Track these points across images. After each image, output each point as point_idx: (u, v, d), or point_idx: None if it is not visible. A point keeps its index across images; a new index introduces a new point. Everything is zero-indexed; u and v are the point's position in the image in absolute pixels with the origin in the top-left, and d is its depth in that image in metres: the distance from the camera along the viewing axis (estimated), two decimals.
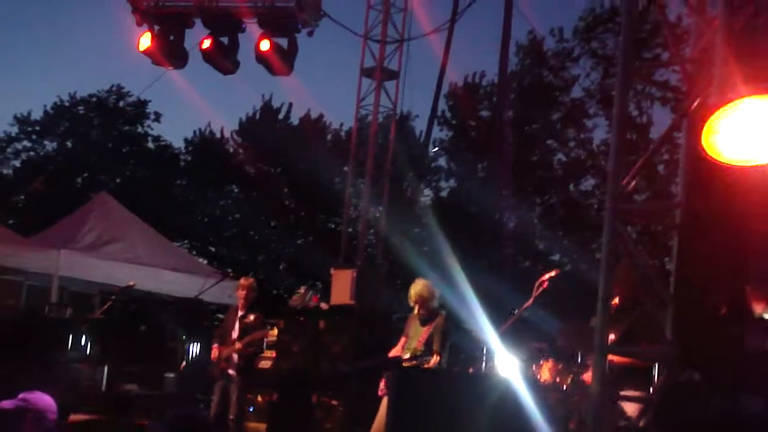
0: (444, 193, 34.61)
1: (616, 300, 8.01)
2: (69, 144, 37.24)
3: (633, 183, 6.41)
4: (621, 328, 8.25)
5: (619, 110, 6.55)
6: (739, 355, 4.08)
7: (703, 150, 3.81)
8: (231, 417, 11.61)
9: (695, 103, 5.04)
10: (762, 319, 3.84)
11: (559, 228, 31.48)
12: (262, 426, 13.43)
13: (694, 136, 4.04)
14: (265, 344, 13.56)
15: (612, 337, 8.28)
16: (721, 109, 3.82)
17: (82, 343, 13.56)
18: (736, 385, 4.10)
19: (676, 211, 6.51)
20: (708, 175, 3.89)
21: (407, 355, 9.78)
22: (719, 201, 3.81)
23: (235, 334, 11.81)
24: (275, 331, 14.06)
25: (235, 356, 11.68)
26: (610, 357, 7.86)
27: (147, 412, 11.72)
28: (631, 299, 7.96)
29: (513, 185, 29.77)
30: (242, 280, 12.40)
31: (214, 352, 11.92)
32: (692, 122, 4.26)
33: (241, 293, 12.05)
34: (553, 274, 9.73)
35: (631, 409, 8.10)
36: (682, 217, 5.46)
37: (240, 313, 11.98)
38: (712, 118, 3.83)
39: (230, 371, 11.69)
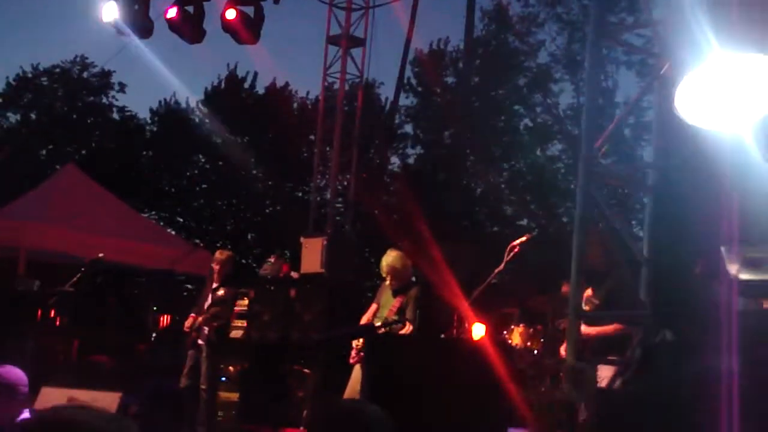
0: (411, 160, 34.64)
1: (597, 264, 8.06)
2: (33, 116, 36.89)
3: (604, 147, 6.44)
4: (602, 292, 8.31)
5: (590, 73, 6.55)
6: (714, 315, 4.11)
7: (677, 113, 3.81)
8: (202, 387, 11.62)
9: (666, 65, 5.05)
10: (737, 278, 3.86)
11: (527, 193, 31.61)
12: (234, 396, 13.46)
13: (666, 98, 4.03)
14: (234, 315, 13.58)
15: (589, 292, 8.34)
16: (694, 71, 3.82)
17: (52, 315, 13.51)
18: (709, 344, 4.13)
19: (648, 173, 6.54)
20: (679, 137, 3.90)
21: (378, 323, 9.80)
22: (691, 163, 3.81)
23: (206, 306, 11.84)
24: (246, 301, 14.06)
25: (205, 327, 11.70)
26: (585, 331, 7.92)
27: (119, 384, 11.69)
28: (607, 263, 8.01)
29: (480, 151, 29.85)
30: (217, 254, 12.42)
31: (188, 322, 11.94)
32: (664, 84, 4.26)
33: (216, 267, 12.07)
34: (524, 239, 9.77)
35: (607, 373, 8.17)
36: (654, 178, 5.47)
37: (213, 286, 12.00)
38: (685, 80, 3.83)
39: (199, 341, 11.71)
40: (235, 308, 13.78)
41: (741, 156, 3.56)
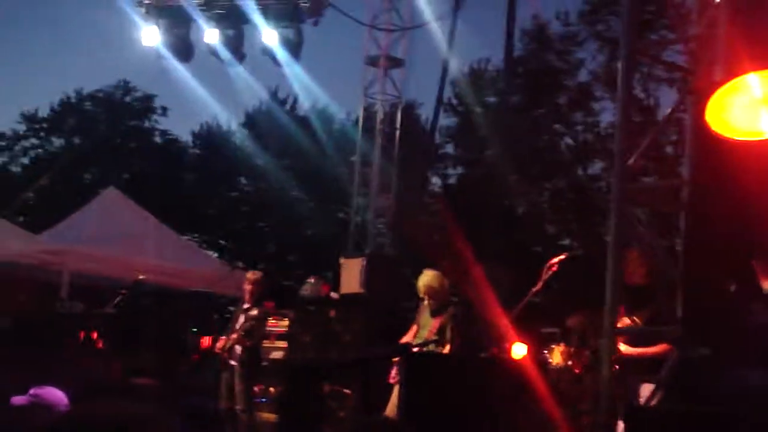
0: (452, 180, 34.58)
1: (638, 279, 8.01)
2: (77, 140, 37.29)
3: (639, 163, 6.41)
4: (640, 316, 8.24)
5: (624, 90, 6.53)
6: (749, 330, 4.07)
7: (708, 126, 3.79)
8: (238, 408, 11.64)
9: (700, 81, 5.03)
10: None
11: (569, 212, 31.45)
12: (274, 416, 13.46)
13: (699, 114, 4.02)
14: (273, 333, 13.63)
15: (627, 321, 8.27)
16: (725, 86, 3.80)
17: (94, 337, 13.61)
18: (745, 359, 4.10)
19: (683, 190, 6.50)
20: (713, 151, 3.88)
21: (418, 342, 9.79)
22: (724, 177, 3.80)
23: (238, 327, 11.88)
24: (286, 322, 14.09)
25: (238, 347, 11.73)
26: (626, 351, 7.85)
27: (160, 404, 11.73)
28: (648, 277, 7.96)
29: (521, 170, 29.76)
30: (249, 274, 12.53)
31: (218, 344, 11.98)
32: (697, 99, 4.24)
33: (247, 287, 12.15)
34: (562, 257, 9.73)
35: (646, 391, 8.09)
36: (689, 195, 5.44)
37: (245, 306, 12.05)
38: (716, 94, 3.81)
39: (232, 362, 11.74)
40: (276, 329, 13.83)
41: None
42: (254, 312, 11.90)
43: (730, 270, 4.01)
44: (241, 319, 11.94)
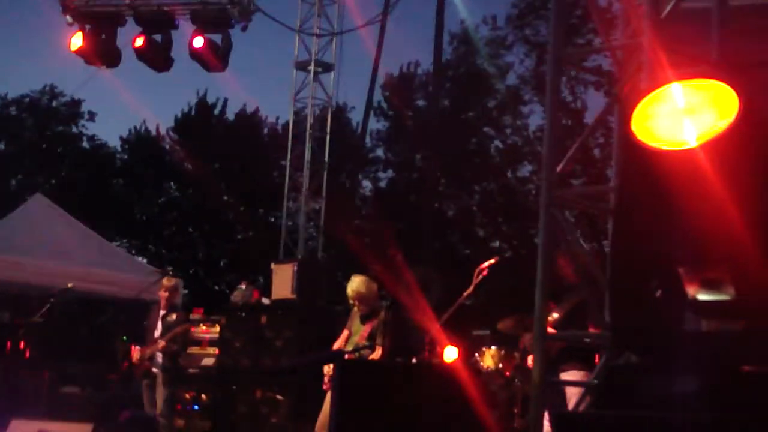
0: (383, 184, 34.70)
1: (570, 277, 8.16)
2: (2, 146, 36.77)
3: (568, 168, 6.49)
4: (565, 306, 8.38)
5: (551, 96, 6.60)
6: (676, 337, 4.14)
7: (633, 135, 3.86)
8: (158, 413, 11.58)
9: (625, 89, 5.12)
10: (695, 300, 3.90)
11: (499, 215, 31.72)
12: (207, 424, 13.39)
13: (625, 122, 4.08)
14: (204, 339, 13.60)
15: (555, 315, 8.39)
16: (649, 95, 3.87)
17: (21, 346, 13.44)
18: (672, 366, 4.16)
19: (610, 195, 6.60)
20: (639, 159, 3.94)
21: (349, 348, 9.80)
22: (650, 185, 3.85)
23: (157, 333, 11.82)
24: (217, 328, 14.02)
25: (159, 355, 11.67)
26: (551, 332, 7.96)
27: (91, 415, 11.63)
28: (576, 276, 8.09)
29: (451, 174, 29.94)
30: (164, 281, 12.50)
31: (135, 354, 11.89)
32: (623, 107, 4.32)
33: (164, 294, 12.13)
34: (492, 261, 9.82)
35: (572, 392, 8.21)
36: (616, 201, 5.52)
37: (162, 313, 12.00)
38: (641, 103, 3.88)
39: (154, 369, 11.68)
40: (207, 335, 13.78)
41: (696, 174, 3.61)
42: (172, 317, 11.83)
43: (656, 276, 4.08)
44: (159, 326, 11.88)
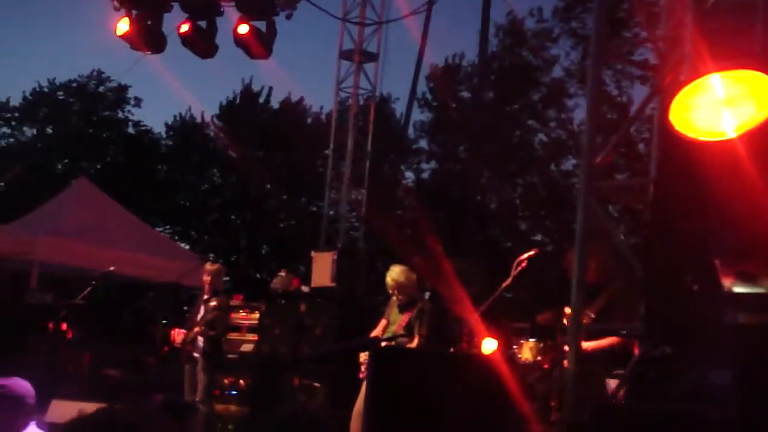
0: (425, 175, 34.65)
1: (590, 276, 8.08)
2: (49, 130, 37.07)
3: (609, 160, 6.45)
4: (598, 305, 8.31)
5: (593, 87, 6.57)
6: (711, 330, 4.11)
7: (672, 126, 3.83)
8: (197, 399, 11.58)
9: (666, 80, 5.08)
10: (731, 292, 3.87)
11: (541, 208, 31.56)
12: (246, 409, 13.46)
13: (664, 113, 4.06)
14: (244, 325, 13.65)
15: (591, 315, 8.34)
16: (688, 86, 3.84)
17: (64, 328, 13.56)
18: (707, 358, 4.14)
19: (650, 187, 6.54)
20: (677, 150, 3.91)
21: (387, 337, 9.80)
22: (688, 177, 3.83)
23: (199, 318, 11.84)
24: (257, 315, 14.08)
25: (200, 339, 11.67)
26: (584, 346, 7.92)
27: (130, 397, 11.71)
28: (604, 275, 8.04)
29: (495, 166, 29.84)
30: (207, 266, 12.46)
31: (178, 338, 11.89)
32: (663, 99, 4.29)
33: (206, 278, 12.06)
34: (532, 253, 9.76)
35: (611, 387, 8.16)
36: (654, 193, 5.48)
37: (205, 297, 11.99)
38: (680, 94, 3.86)
39: (195, 354, 11.69)
40: (245, 322, 13.84)
41: (733, 167, 3.58)
42: (213, 302, 11.82)
43: (692, 269, 4.05)
44: (202, 310, 11.89)
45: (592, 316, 8.20)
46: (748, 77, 3.71)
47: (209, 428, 11.74)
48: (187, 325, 11.97)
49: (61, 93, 37.14)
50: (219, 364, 12.23)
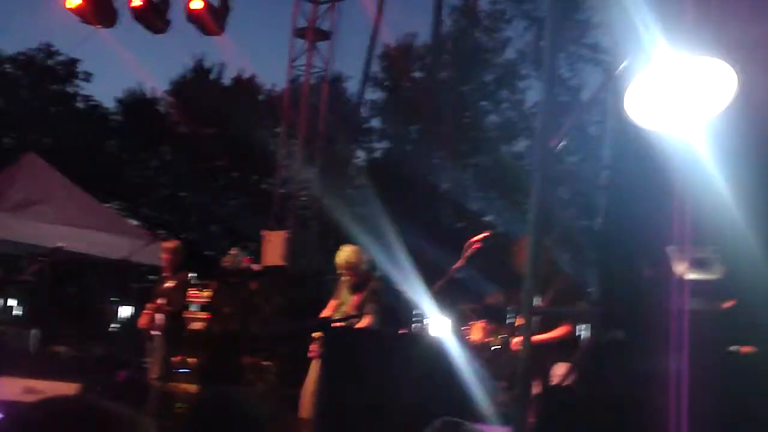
0: (377, 154, 34.64)
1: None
2: None
3: (561, 143, 6.47)
4: (548, 295, 8.37)
5: (549, 72, 6.57)
6: (662, 315, 4.15)
7: (626, 113, 3.85)
8: (154, 377, 11.56)
9: (621, 65, 5.09)
10: (683, 278, 3.91)
11: (493, 189, 31.67)
12: (194, 387, 13.42)
13: (619, 99, 4.07)
14: (195, 303, 13.59)
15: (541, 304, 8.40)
16: (643, 73, 3.85)
17: (10, 304, 13.44)
18: (658, 343, 4.18)
19: (603, 173, 6.58)
20: (633, 139, 3.93)
21: (338, 317, 9.81)
22: (642, 164, 3.85)
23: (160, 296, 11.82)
24: (208, 293, 14.04)
25: (159, 316, 11.64)
26: (535, 338, 7.99)
27: (77, 374, 11.64)
28: (551, 267, 8.11)
29: (446, 147, 29.87)
30: (165, 244, 12.45)
31: (141, 320, 11.88)
32: (617, 85, 4.31)
33: (165, 256, 12.05)
34: (485, 234, 9.79)
35: (558, 371, 8.23)
36: (608, 179, 5.52)
37: (164, 275, 11.98)
38: (634, 81, 3.87)
39: (153, 332, 11.66)
40: (197, 300, 13.78)
41: (689, 156, 3.60)
42: (173, 281, 11.81)
43: (645, 255, 4.08)
44: (161, 288, 11.88)
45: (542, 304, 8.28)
46: (706, 64, 3.72)
47: (163, 406, 11.71)
48: (149, 306, 11.94)
49: (9, 66, 36.63)
50: (178, 340, 12.21)
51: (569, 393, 5.45)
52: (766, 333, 3.92)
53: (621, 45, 5.19)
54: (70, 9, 14.95)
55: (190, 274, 12.63)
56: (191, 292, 13.96)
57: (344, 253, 10.12)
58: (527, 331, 6.50)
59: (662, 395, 4.04)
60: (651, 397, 4.08)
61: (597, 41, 24.89)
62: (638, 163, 3.90)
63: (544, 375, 8.16)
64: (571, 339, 8.13)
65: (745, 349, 4.10)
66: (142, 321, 11.78)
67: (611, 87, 6.22)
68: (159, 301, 11.66)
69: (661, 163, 3.74)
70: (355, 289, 10.08)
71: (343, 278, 10.23)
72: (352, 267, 10.05)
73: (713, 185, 3.56)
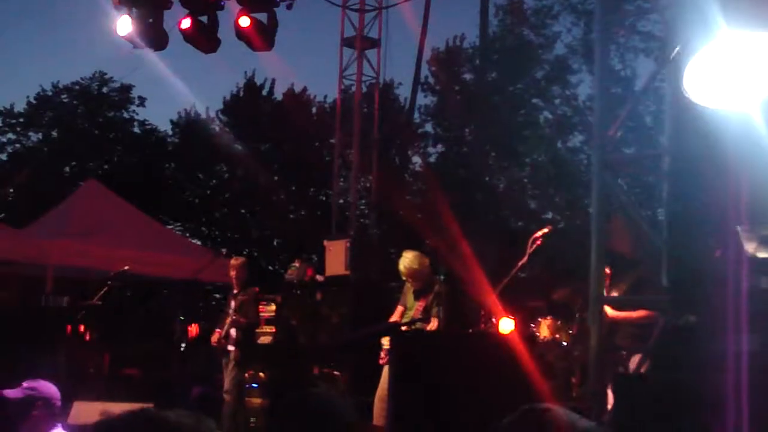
0: (432, 159, 34.58)
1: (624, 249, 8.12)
2: (54, 134, 37.07)
3: (618, 133, 6.43)
4: (624, 285, 8.31)
5: (600, 61, 6.55)
6: (735, 296, 4.09)
7: (686, 95, 3.80)
8: (225, 392, 11.67)
9: (676, 49, 5.04)
10: (754, 257, 3.85)
11: (550, 186, 31.50)
12: (265, 402, 13.48)
13: (677, 82, 4.03)
14: (262, 318, 13.65)
15: (615, 294, 8.33)
16: (700, 52, 3.81)
17: (81, 330, 13.58)
18: (732, 325, 4.12)
19: (664, 159, 6.52)
20: (693, 120, 3.89)
21: (405, 321, 9.82)
22: (705, 145, 3.80)
23: (231, 312, 11.94)
24: (273, 307, 14.09)
25: (233, 331, 11.78)
26: (611, 314, 7.92)
27: (151, 395, 11.75)
28: (635, 251, 8.03)
29: (501, 147, 29.80)
30: (232, 260, 12.66)
31: (214, 337, 12.04)
32: (673, 68, 4.26)
33: (232, 273, 12.27)
34: (545, 230, 9.77)
35: (635, 362, 8.15)
36: (670, 163, 5.46)
37: (234, 292, 12.14)
38: (693, 60, 3.82)
39: (229, 347, 11.78)
40: (263, 314, 13.85)
41: (750, 134, 3.55)
42: (243, 296, 11.98)
43: (714, 236, 4.03)
44: (232, 304, 12.04)
45: (614, 294, 8.21)
46: (765, 41, 3.66)
47: (236, 420, 11.83)
48: (218, 322, 12.10)
49: (65, 96, 37.11)
50: (251, 354, 12.34)
51: (643, 381, 5.40)
52: None
53: (676, 26, 5.14)
54: (122, 35, 15.11)
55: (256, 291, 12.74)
56: (258, 306, 14.05)
57: (406, 260, 10.13)
58: (596, 320, 6.46)
59: (733, 377, 3.98)
60: (722, 380, 4.03)
61: (649, 29, 24.65)
62: (699, 144, 3.85)
63: (624, 365, 8.09)
64: (651, 325, 8.05)
65: None
66: (215, 338, 11.93)
67: (668, 70, 6.17)
68: (232, 316, 11.81)
69: (723, 143, 3.69)
70: (420, 294, 10.08)
71: (407, 284, 10.24)
72: (414, 273, 10.06)
73: None
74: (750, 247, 3.85)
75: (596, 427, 2.50)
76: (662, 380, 4.44)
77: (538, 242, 9.51)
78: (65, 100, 37.12)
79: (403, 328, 9.43)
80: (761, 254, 3.87)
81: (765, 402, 3.90)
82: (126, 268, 13.42)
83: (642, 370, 6.80)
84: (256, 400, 13.40)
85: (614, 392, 5.60)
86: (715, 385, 4.09)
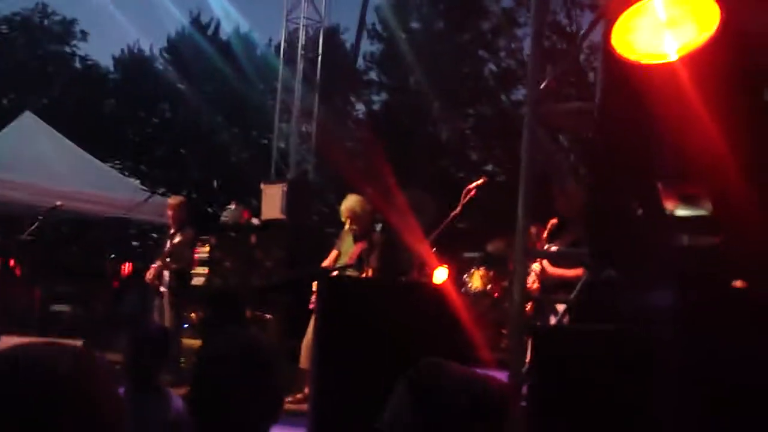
0: (376, 107, 34.52)
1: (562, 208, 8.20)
2: None
3: (552, 85, 6.44)
4: (562, 242, 8.37)
5: (537, 13, 6.54)
6: (653, 252, 4.14)
7: (614, 49, 3.82)
8: None
9: (609, 3, 5.04)
10: (674, 215, 3.89)
11: (492, 138, 31.60)
12: (197, 342, 13.46)
13: (607, 37, 4.04)
14: (195, 262, 13.58)
15: (554, 248, 8.40)
16: (630, 8, 3.83)
17: (11, 265, 13.46)
18: (651, 280, 4.17)
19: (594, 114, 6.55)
20: (620, 74, 3.90)
21: (336, 267, 9.83)
22: (630, 100, 3.82)
23: (165, 253, 11.86)
24: (207, 248, 14.04)
25: (166, 273, 11.70)
26: (549, 270, 7.98)
27: (81, 332, 11.69)
28: (573, 212, 8.10)
29: (445, 97, 29.78)
30: (170, 200, 12.53)
31: (149, 273, 11.93)
32: (607, 23, 4.27)
33: (169, 212, 12.12)
34: (480, 182, 9.77)
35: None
36: (597, 117, 5.49)
37: (171, 232, 12.03)
38: (622, 16, 3.84)
39: (162, 288, 11.72)
40: (197, 255, 13.79)
41: (674, 90, 3.58)
42: (178, 237, 11.86)
43: (635, 193, 4.06)
44: (168, 244, 11.94)
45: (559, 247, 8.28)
46: None
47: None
48: (156, 260, 12.00)
49: (4, 27, 36.45)
50: (185, 297, 12.26)
51: (559, 331, 5.47)
52: (756, 267, 3.91)
53: None
54: None
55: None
56: None
57: (348, 202, 10.15)
58: (520, 274, 6.50)
59: (653, 331, 4.03)
60: (642, 332, 4.08)
61: None
62: (625, 100, 3.86)
63: (546, 316, 8.19)
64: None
65: (737, 283, 4.09)
66: (149, 276, 11.83)
67: (602, 25, 6.18)
68: (163, 257, 11.72)
69: (649, 99, 3.71)
70: (356, 239, 10.09)
71: (346, 228, 10.23)
72: (354, 216, 10.07)
73: (700, 118, 3.53)
74: (670, 205, 3.88)
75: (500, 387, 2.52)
76: (579, 331, 4.49)
77: (472, 193, 9.50)
78: (4, 31, 36.45)
79: (333, 273, 9.44)
80: (680, 212, 3.91)
81: (684, 358, 3.96)
82: (58, 203, 13.26)
83: (565, 319, 6.88)
84: (187, 341, 13.40)
85: (531, 342, 5.65)
86: (632, 337, 4.15)
